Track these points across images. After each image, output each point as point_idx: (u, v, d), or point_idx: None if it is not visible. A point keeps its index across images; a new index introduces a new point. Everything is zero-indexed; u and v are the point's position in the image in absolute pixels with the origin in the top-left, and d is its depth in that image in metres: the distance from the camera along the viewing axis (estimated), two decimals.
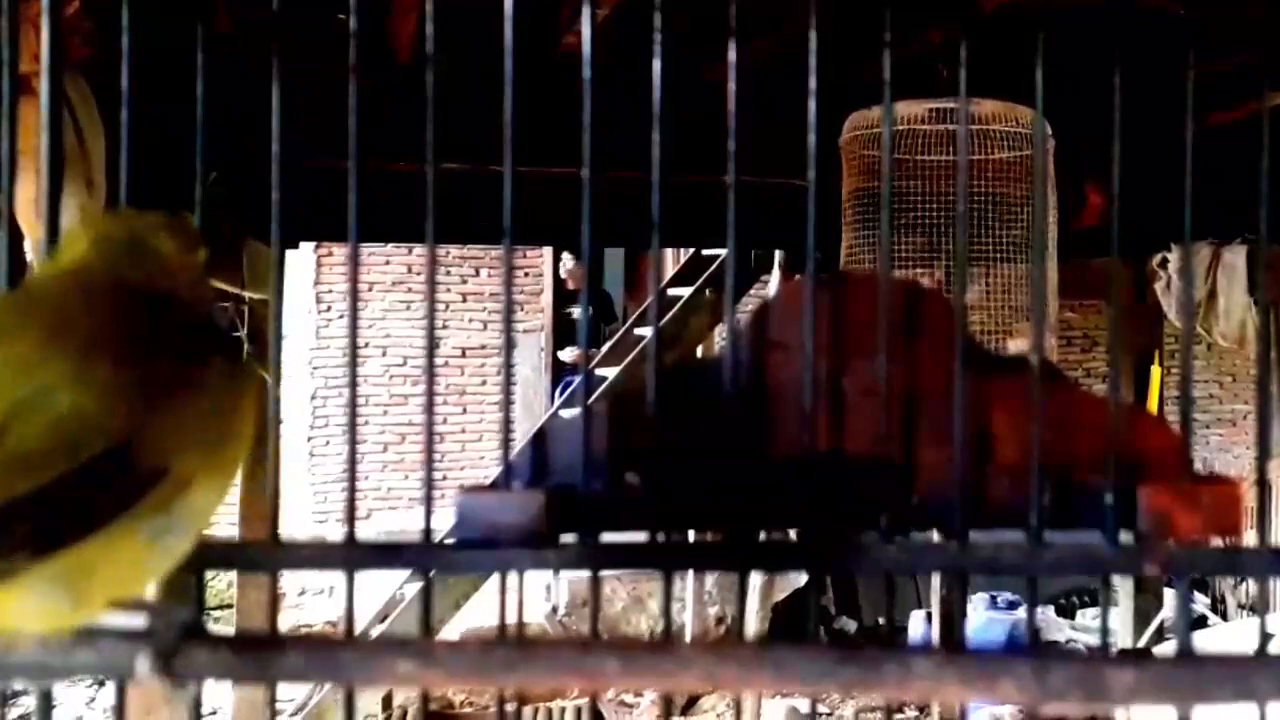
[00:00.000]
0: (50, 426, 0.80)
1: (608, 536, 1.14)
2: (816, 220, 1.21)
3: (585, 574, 1.17)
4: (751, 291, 7.31)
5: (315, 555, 1.27)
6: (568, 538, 1.12)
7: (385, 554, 1.19)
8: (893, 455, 1.14)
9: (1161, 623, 6.34)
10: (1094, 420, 1.15)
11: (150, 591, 0.94)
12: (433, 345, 1.20)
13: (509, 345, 1.22)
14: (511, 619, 1.19)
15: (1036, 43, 1.25)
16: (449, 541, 1.17)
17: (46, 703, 1.08)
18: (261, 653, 0.90)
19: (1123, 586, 5.88)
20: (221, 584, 7.49)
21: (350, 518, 1.14)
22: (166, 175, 1.69)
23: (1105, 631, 1.21)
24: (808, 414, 1.14)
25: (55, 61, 1.19)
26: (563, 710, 6.90)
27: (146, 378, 0.84)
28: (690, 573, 7.22)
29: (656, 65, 1.15)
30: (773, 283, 6.75)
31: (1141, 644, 6.19)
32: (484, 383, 10.67)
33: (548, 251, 10.57)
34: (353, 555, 1.13)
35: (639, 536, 1.14)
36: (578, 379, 9.01)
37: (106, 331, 0.86)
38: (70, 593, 0.82)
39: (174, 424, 0.84)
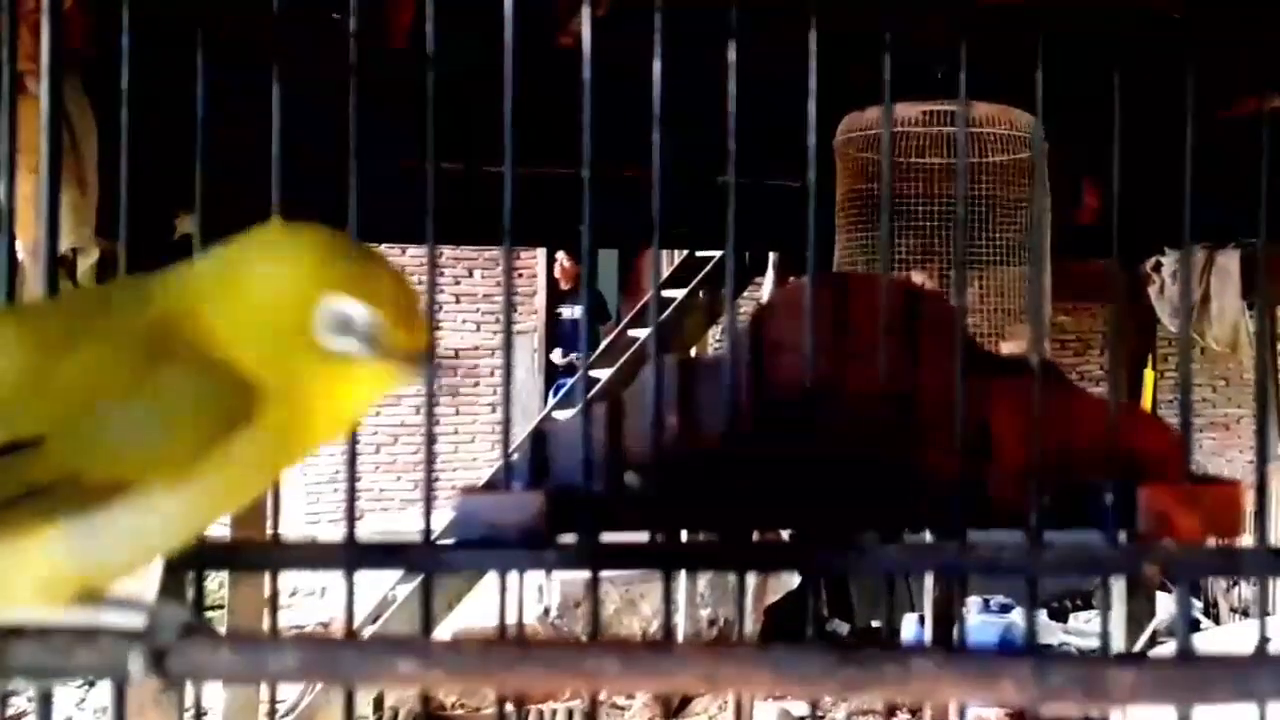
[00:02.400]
0: None
1: (606, 537, 1.14)
2: (810, 221, 1.21)
3: (577, 576, 1.17)
4: (745, 293, 7.31)
5: (315, 555, 1.27)
6: (566, 538, 1.12)
7: (385, 554, 1.19)
8: (893, 455, 1.14)
9: (1155, 630, 6.34)
10: (1094, 421, 1.15)
11: (148, 591, 0.93)
12: (433, 348, 1.20)
13: (509, 346, 1.22)
14: (509, 619, 1.19)
15: (1031, 44, 1.25)
16: (448, 542, 1.16)
17: (46, 703, 1.08)
18: (259, 652, 0.90)
19: (1116, 590, 5.88)
20: (213, 584, 7.48)
21: (350, 517, 1.14)
22: (164, 174, 1.69)
23: (1105, 632, 1.21)
24: (808, 414, 1.14)
25: (55, 61, 1.19)
26: (554, 712, 6.89)
27: (69, 379, 0.82)
28: (683, 575, 7.22)
29: (656, 66, 1.14)
30: (767, 284, 6.75)
31: (1135, 650, 6.19)
32: (477, 384, 10.65)
33: (541, 252, 10.56)
34: (352, 555, 1.12)
35: (638, 537, 1.14)
36: (570, 380, 9.02)
37: (49, 332, 0.84)
38: (7, 578, 0.82)
39: (96, 431, 0.82)
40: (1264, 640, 1.17)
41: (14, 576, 0.82)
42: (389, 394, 0.91)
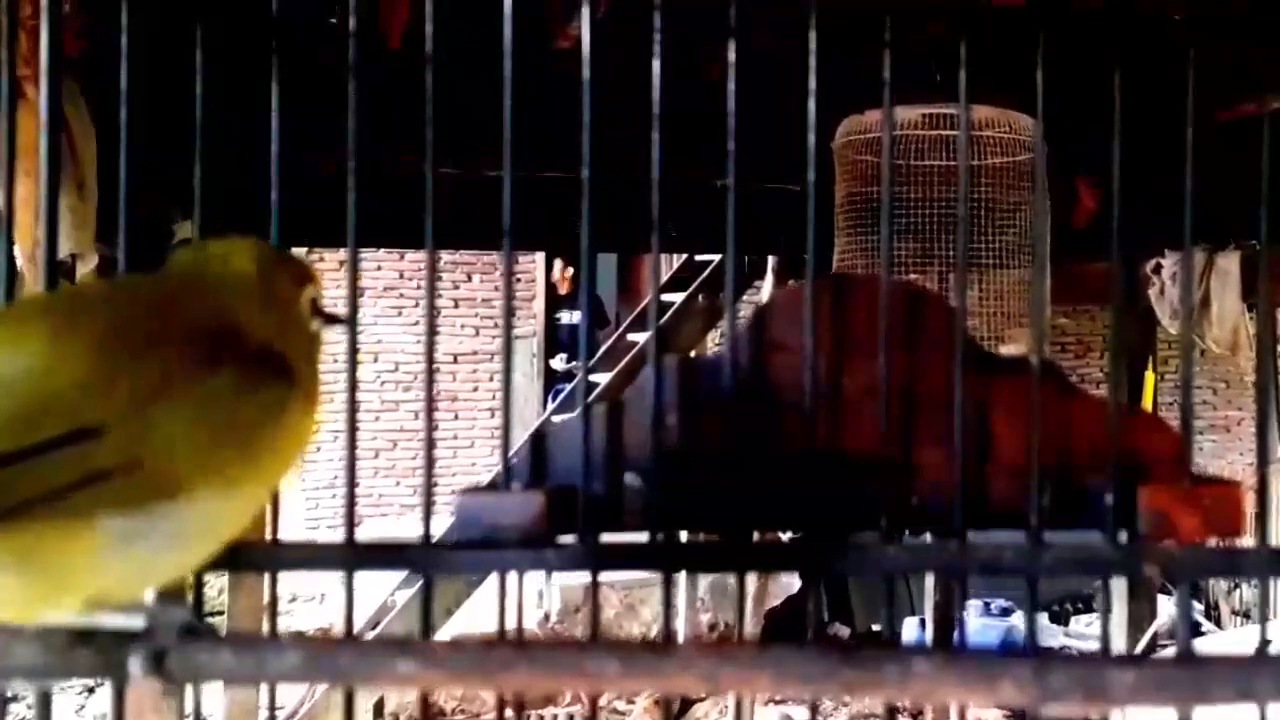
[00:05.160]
0: (19, 401, 0.80)
1: (606, 538, 1.13)
2: (809, 222, 1.21)
3: (577, 581, 1.18)
4: (745, 297, 7.32)
5: (314, 556, 1.27)
6: (566, 539, 1.12)
7: (385, 554, 1.19)
8: (893, 455, 1.14)
9: (1155, 633, 6.34)
10: (1094, 421, 1.15)
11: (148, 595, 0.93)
12: (431, 352, 1.20)
13: (509, 351, 1.21)
14: (509, 621, 1.19)
15: (1030, 45, 1.25)
16: (448, 543, 1.16)
17: (45, 704, 1.08)
18: (260, 653, 0.90)
19: (1117, 592, 5.88)
20: (212, 590, 7.46)
21: (349, 518, 1.14)
22: (163, 179, 1.69)
23: (1105, 632, 1.21)
24: (808, 415, 1.14)
25: (53, 65, 1.18)
26: (555, 717, 6.89)
27: (136, 373, 0.83)
28: (683, 579, 7.23)
29: (656, 66, 1.14)
30: (766, 288, 6.76)
31: (1136, 653, 6.20)
32: (476, 389, 10.65)
33: (540, 257, 10.56)
34: (352, 556, 1.12)
35: (638, 538, 1.14)
36: (569, 386, 9.02)
37: (115, 326, 0.86)
38: (29, 577, 0.82)
39: (159, 424, 0.83)
40: (1265, 642, 1.17)
41: (66, 569, 0.82)
42: None
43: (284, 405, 0.89)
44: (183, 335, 0.87)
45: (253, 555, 1.15)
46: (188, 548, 0.87)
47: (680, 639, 7.17)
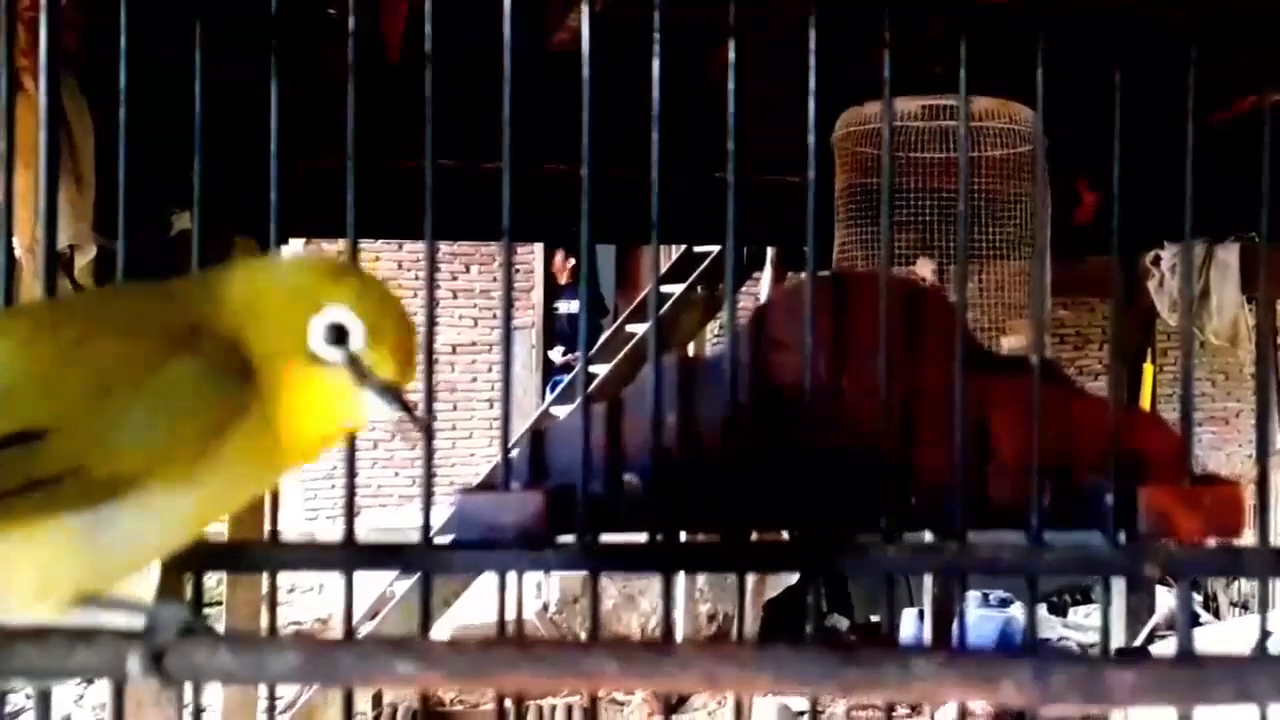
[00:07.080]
0: None
1: (606, 537, 1.13)
2: (809, 217, 1.20)
3: (577, 572, 1.17)
4: (743, 289, 7.31)
5: (314, 556, 1.27)
6: (566, 538, 1.12)
7: (383, 554, 1.18)
8: (893, 455, 1.14)
9: (1154, 626, 6.34)
10: (1094, 421, 1.15)
11: (147, 591, 0.93)
12: (431, 343, 1.19)
13: (508, 343, 1.21)
14: (508, 618, 1.18)
15: (1030, 38, 1.24)
16: (447, 542, 1.16)
17: (45, 702, 1.08)
18: (259, 653, 0.90)
19: (1116, 585, 5.86)
20: (211, 581, 7.45)
21: (349, 514, 1.14)
22: (160, 171, 1.69)
23: (1106, 631, 1.21)
24: (808, 414, 1.14)
25: (53, 58, 1.18)
26: (553, 708, 6.90)
27: (85, 371, 0.83)
28: (682, 572, 7.22)
29: (656, 66, 1.14)
30: (764, 280, 6.75)
31: (1135, 645, 6.20)
32: (474, 380, 10.64)
33: (538, 248, 10.55)
34: (350, 556, 1.12)
35: (637, 537, 1.14)
36: (567, 378, 9.02)
37: (84, 329, 0.85)
38: (7, 571, 0.82)
39: (105, 425, 0.82)
40: (1264, 636, 1.17)
41: (15, 573, 0.82)
42: (357, 422, 0.91)
43: (244, 401, 0.86)
44: (141, 334, 0.86)
45: (252, 555, 1.15)
46: (150, 542, 0.87)
47: (679, 632, 7.17)
